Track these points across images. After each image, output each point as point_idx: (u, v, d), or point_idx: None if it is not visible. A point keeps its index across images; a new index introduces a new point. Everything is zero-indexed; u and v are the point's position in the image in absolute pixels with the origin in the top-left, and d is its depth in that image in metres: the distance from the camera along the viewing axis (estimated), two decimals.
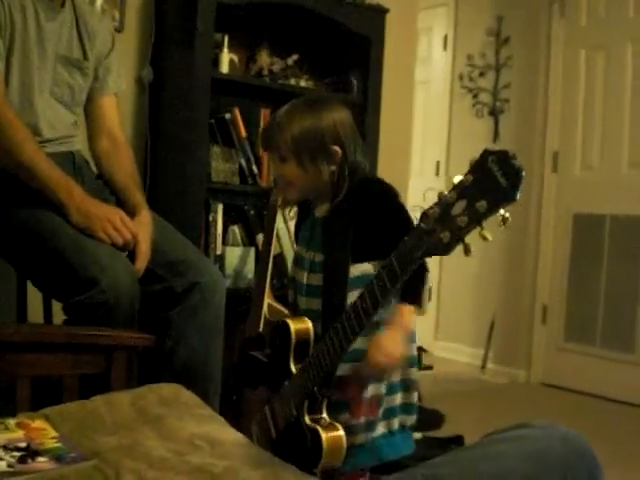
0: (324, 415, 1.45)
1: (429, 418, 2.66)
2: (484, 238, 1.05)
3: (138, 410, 1.25)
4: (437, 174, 4.70)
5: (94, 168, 1.96)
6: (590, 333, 3.83)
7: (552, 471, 1.03)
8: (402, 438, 1.63)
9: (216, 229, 2.70)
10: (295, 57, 2.91)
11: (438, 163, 4.68)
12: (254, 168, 2.76)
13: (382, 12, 2.97)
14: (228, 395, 1.82)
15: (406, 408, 1.63)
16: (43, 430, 1.12)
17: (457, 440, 2.62)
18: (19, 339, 1.43)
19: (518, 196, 1.02)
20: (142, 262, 1.70)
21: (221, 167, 2.69)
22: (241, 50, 2.84)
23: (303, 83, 2.92)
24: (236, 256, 2.69)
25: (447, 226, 1.09)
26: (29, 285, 1.84)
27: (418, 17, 3.51)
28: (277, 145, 1.57)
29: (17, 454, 1.03)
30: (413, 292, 1.48)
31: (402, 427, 1.63)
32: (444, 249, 1.10)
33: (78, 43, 1.85)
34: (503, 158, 1.04)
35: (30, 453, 1.04)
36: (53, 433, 1.11)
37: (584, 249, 3.88)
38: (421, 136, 4.59)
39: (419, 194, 4.43)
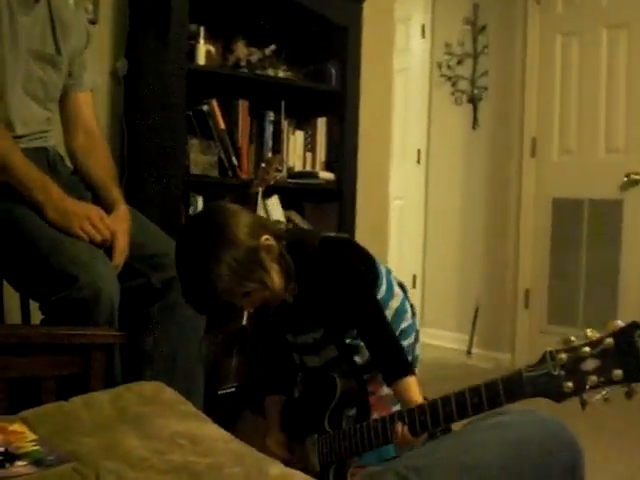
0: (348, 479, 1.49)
1: None
2: (605, 399, 1.10)
3: (118, 410, 1.24)
4: (418, 162, 4.70)
5: (69, 164, 1.93)
6: (572, 315, 3.86)
7: (531, 458, 1.04)
8: None
9: None
10: (273, 47, 2.89)
11: (419, 151, 4.68)
12: (234, 160, 2.74)
13: (359, 1, 2.95)
14: (211, 391, 1.81)
15: None
16: (21, 434, 1.10)
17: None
18: None
19: None
20: (120, 258, 1.68)
21: (200, 159, 2.66)
22: (218, 41, 2.81)
23: (281, 73, 2.90)
24: None
25: (573, 378, 1.12)
26: (5, 285, 1.81)
27: (396, 6, 3.50)
28: (229, 294, 1.43)
29: None
30: (405, 363, 1.46)
31: None
32: (561, 397, 1.12)
33: (52, 38, 1.82)
34: None
35: (8, 457, 1.02)
36: (31, 436, 1.10)
37: (564, 233, 3.91)
38: (401, 125, 4.58)
39: (400, 183, 4.43)
